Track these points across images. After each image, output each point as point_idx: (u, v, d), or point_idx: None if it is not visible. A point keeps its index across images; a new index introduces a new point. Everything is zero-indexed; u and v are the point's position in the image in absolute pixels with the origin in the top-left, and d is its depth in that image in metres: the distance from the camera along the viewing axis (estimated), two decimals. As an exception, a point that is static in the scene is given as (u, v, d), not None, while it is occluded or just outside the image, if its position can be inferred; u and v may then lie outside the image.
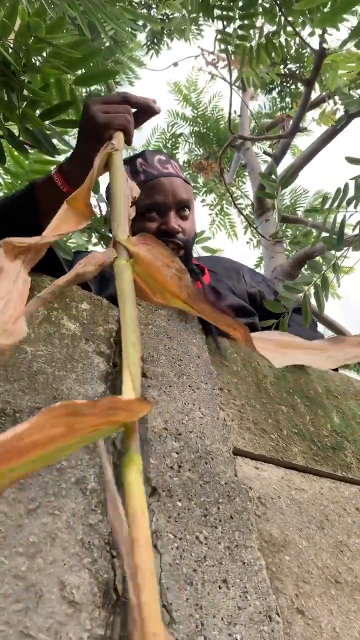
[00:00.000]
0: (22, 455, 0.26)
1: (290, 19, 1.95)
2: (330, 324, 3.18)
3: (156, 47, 4.44)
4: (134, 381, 0.34)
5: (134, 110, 0.79)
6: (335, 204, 0.94)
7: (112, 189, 0.64)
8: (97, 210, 1.63)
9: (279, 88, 5.28)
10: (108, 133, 0.73)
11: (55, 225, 0.58)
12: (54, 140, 0.89)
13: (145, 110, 0.81)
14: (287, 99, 5.35)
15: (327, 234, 0.98)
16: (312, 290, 0.97)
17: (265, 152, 4.75)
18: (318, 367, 0.44)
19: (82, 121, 0.77)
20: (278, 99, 5.49)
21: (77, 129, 0.83)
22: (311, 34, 2.13)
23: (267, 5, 1.89)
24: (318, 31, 2.06)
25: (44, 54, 0.83)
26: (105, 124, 0.73)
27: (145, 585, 0.23)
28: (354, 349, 0.46)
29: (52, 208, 0.80)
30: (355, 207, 0.92)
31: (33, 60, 0.79)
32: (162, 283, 0.50)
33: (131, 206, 0.65)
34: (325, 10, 1.68)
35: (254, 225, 3.65)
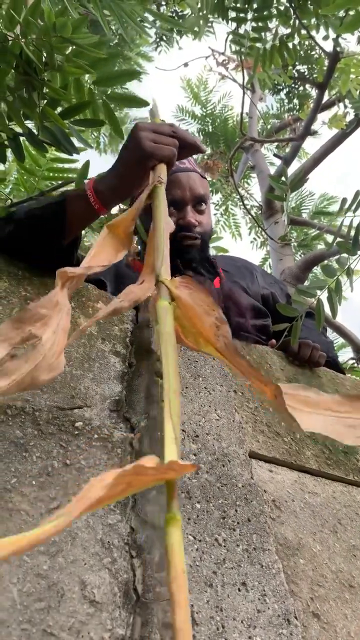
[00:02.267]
0: (87, 509, 0.29)
1: (304, 21, 1.95)
2: (338, 329, 3.18)
3: (166, 44, 4.42)
4: (175, 433, 0.35)
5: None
6: (353, 207, 0.94)
7: (154, 223, 0.63)
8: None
9: (287, 89, 5.27)
10: (152, 162, 0.73)
11: (96, 252, 0.59)
12: (73, 139, 0.89)
13: (189, 148, 0.81)
14: (295, 100, 5.34)
15: (341, 239, 0.98)
16: (325, 295, 0.97)
17: (275, 155, 4.74)
18: (344, 442, 0.44)
19: (128, 143, 0.77)
20: (286, 100, 5.48)
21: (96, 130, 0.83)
22: (325, 38, 2.13)
23: (282, 8, 1.89)
24: (332, 35, 2.06)
25: (66, 53, 0.83)
26: (151, 152, 0.73)
27: None
28: None
29: (78, 221, 0.81)
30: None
31: (55, 59, 0.79)
32: (198, 329, 0.50)
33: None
34: (344, 15, 1.68)
35: (263, 227, 3.64)
